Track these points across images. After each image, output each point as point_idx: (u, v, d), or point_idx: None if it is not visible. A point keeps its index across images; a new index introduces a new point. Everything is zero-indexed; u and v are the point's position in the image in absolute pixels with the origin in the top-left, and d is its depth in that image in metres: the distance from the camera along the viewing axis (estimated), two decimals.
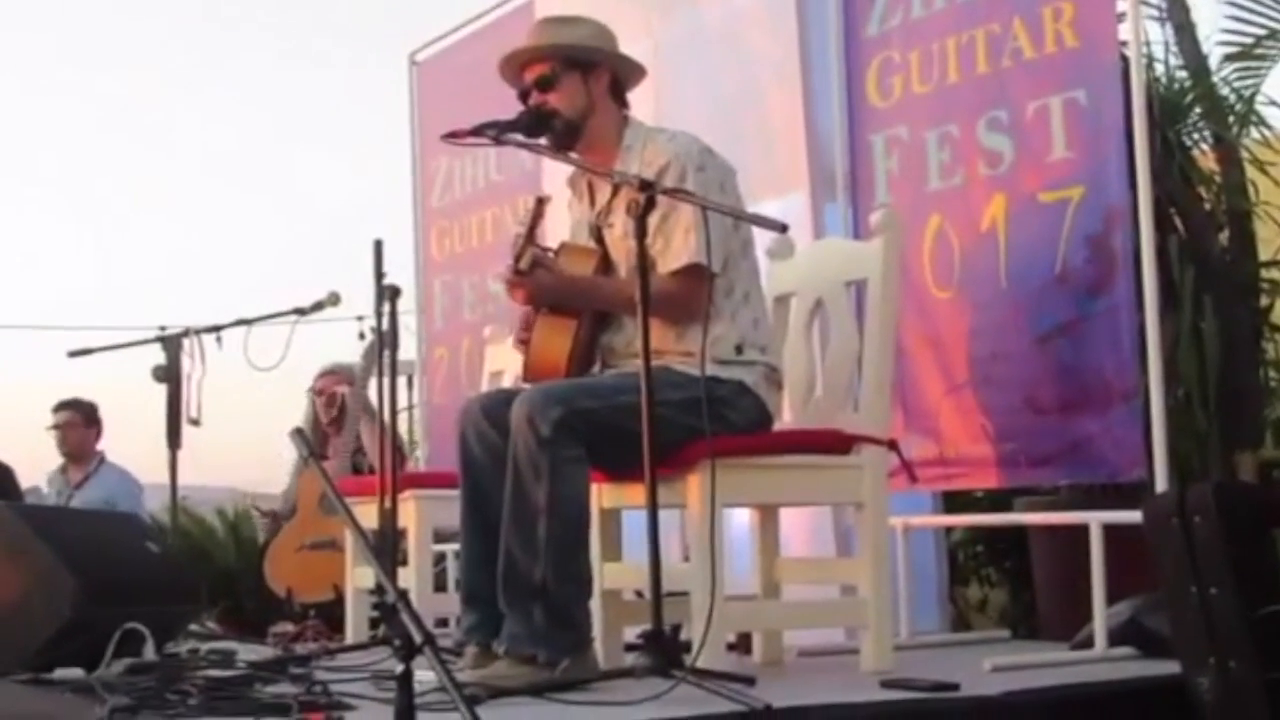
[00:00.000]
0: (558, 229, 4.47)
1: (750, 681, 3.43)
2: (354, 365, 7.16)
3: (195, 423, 5.89)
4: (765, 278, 4.31)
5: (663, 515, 3.55)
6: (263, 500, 7.77)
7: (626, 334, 4.04)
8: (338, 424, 7.17)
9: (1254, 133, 5.68)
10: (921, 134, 5.05)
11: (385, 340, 5.00)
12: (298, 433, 3.54)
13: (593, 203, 4.26)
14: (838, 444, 4.10)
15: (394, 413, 4.99)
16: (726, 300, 4.02)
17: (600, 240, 4.20)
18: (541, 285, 4.02)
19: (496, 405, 3.96)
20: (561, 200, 4.41)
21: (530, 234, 3.98)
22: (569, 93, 4.13)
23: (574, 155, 4.17)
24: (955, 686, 3.62)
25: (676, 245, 3.94)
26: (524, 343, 4.10)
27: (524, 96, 4.17)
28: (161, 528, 6.83)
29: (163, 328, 6.10)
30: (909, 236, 4.88)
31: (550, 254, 4.12)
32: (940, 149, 4.98)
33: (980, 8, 4.87)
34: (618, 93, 4.22)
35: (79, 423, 8.62)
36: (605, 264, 4.15)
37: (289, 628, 5.95)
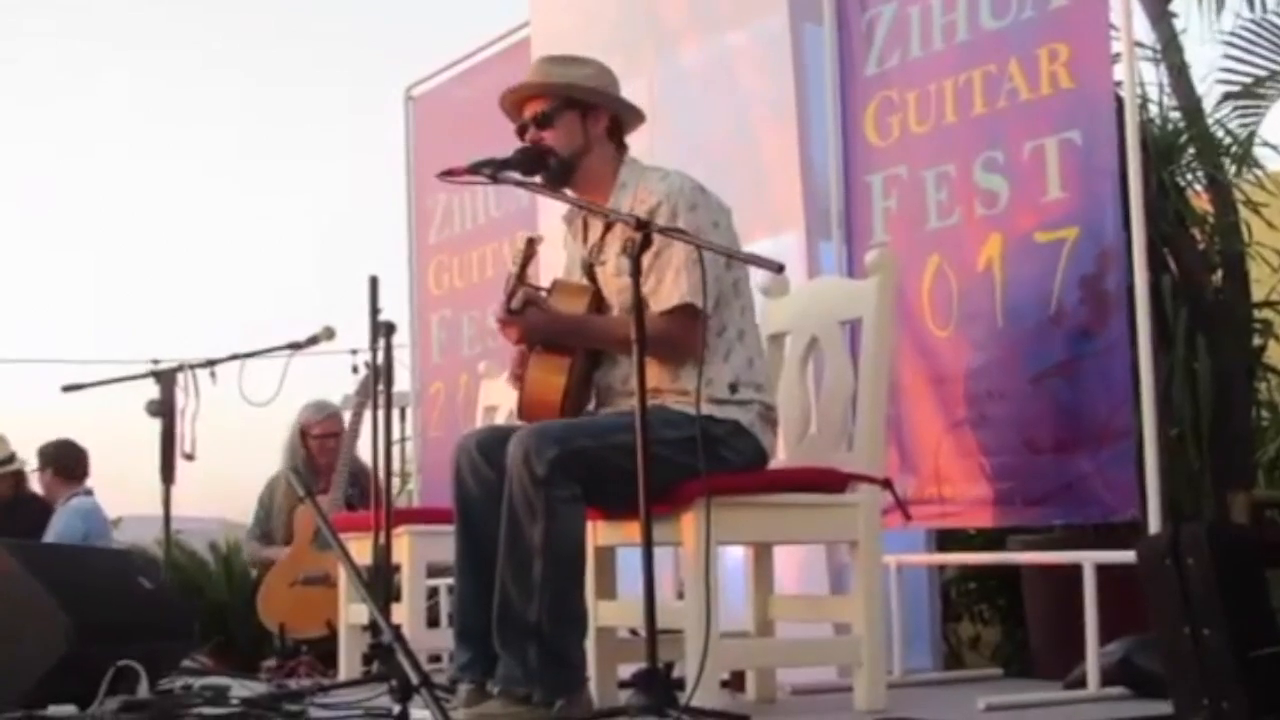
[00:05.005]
0: (553, 265, 4.48)
1: None
2: (346, 399, 7.15)
3: (189, 457, 5.89)
4: (760, 316, 4.32)
5: (656, 552, 3.54)
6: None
7: (622, 371, 4.05)
8: (333, 464, 7.15)
9: (1246, 174, 5.71)
10: (920, 173, 5.06)
11: (380, 375, 5.01)
12: (295, 472, 3.55)
13: (586, 240, 4.27)
14: (832, 482, 4.11)
15: (389, 448, 4.98)
16: (719, 339, 4.02)
17: (593, 277, 4.21)
18: (533, 324, 4.03)
19: (492, 442, 3.95)
20: (556, 237, 4.42)
21: (522, 274, 3.98)
22: (566, 132, 4.14)
23: (569, 193, 4.17)
24: None
25: (668, 285, 3.95)
26: (519, 379, 4.11)
27: (521, 132, 4.19)
28: (155, 562, 6.82)
29: (156, 362, 6.10)
30: (909, 275, 4.91)
31: (543, 292, 4.13)
32: (938, 189, 5.00)
33: (978, 49, 4.89)
34: (616, 133, 4.22)
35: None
36: (598, 301, 4.16)
37: (282, 663, 5.93)
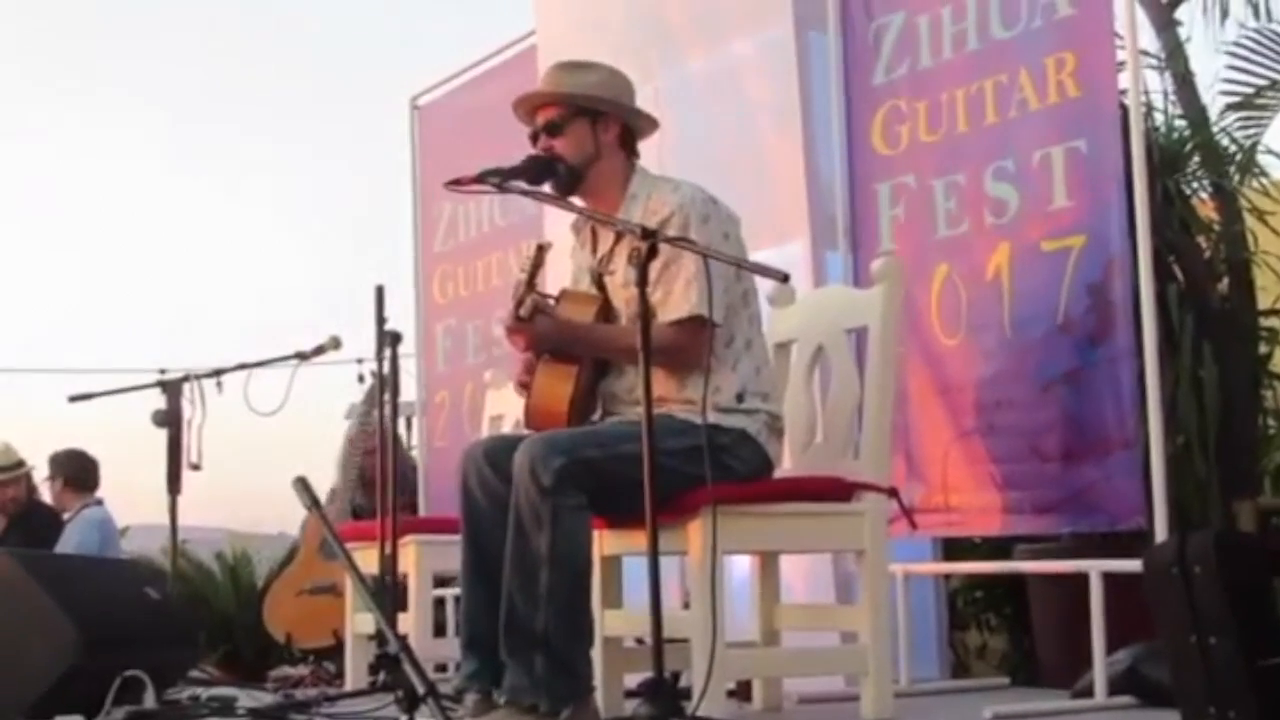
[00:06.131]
0: (560, 274, 4.48)
1: None
2: (352, 408, 7.15)
3: (196, 467, 5.89)
4: (767, 324, 4.31)
5: (663, 562, 3.54)
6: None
7: (628, 380, 4.04)
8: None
9: (1252, 181, 5.71)
10: (929, 182, 5.06)
11: (386, 385, 5.00)
12: (299, 481, 3.54)
13: (595, 249, 4.27)
14: (838, 491, 4.11)
15: (395, 458, 4.98)
16: (727, 349, 4.02)
17: (602, 287, 4.20)
18: (541, 332, 4.02)
19: (499, 451, 3.95)
20: (564, 246, 4.42)
21: (531, 281, 3.98)
22: (575, 139, 4.13)
23: (577, 202, 4.17)
24: None
25: (677, 296, 3.94)
26: (525, 386, 4.10)
27: (535, 138, 4.19)
28: (162, 573, 6.82)
29: (163, 371, 6.10)
30: (918, 284, 4.90)
31: (552, 300, 4.12)
32: (947, 198, 4.99)
33: (988, 59, 4.89)
34: (628, 141, 4.20)
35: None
36: (606, 311, 4.16)
37: (288, 672, 5.94)
